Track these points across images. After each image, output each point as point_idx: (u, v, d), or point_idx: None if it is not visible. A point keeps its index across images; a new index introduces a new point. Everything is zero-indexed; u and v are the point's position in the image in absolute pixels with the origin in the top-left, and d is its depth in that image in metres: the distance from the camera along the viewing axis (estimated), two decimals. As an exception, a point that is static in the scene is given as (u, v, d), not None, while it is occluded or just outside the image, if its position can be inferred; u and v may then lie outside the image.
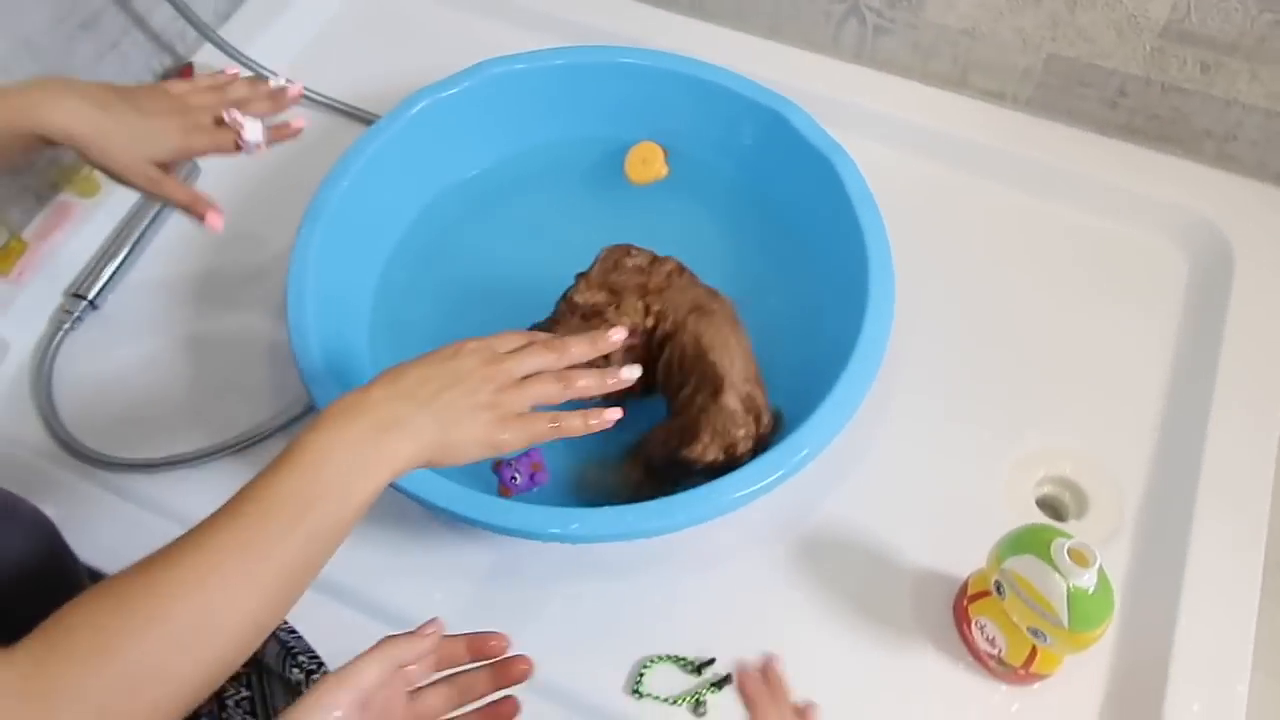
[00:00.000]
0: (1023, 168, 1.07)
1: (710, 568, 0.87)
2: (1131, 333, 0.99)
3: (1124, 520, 0.89)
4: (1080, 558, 0.68)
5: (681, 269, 0.87)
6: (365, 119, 1.14)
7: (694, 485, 0.78)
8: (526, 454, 0.86)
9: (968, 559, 0.83)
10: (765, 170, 1.03)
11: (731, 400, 0.79)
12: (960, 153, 1.08)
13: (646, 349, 0.85)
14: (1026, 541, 0.72)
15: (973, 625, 0.81)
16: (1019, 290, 1.02)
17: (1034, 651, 0.77)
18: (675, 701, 0.81)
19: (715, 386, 0.80)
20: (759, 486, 0.77)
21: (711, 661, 0.83)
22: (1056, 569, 0.69)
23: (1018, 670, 0.79)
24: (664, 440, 0.82)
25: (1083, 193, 1.06)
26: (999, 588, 0.74)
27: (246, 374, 0.98)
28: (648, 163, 1.07)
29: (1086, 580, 0.68)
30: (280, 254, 0.97)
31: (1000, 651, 0.79)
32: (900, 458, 0.92)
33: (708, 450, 0.79)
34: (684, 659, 0.83)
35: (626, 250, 0.87)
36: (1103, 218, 1.06)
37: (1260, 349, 0.94)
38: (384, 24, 1.26)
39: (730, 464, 0.79)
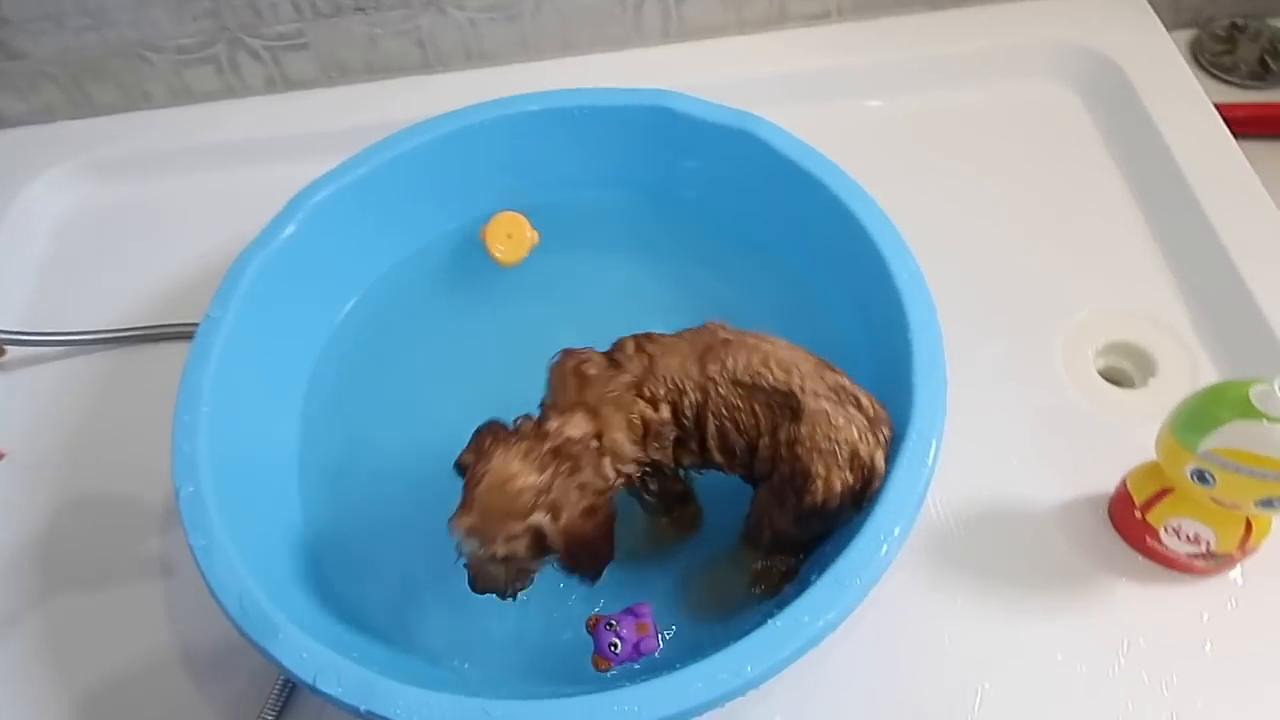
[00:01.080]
0: (892, 71, 1.00)
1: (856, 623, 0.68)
2: (1079, 186, 0.93)
3: (1197, 369, 0.80)
4: (1299, 391, 0.57)
5: (643, 338, 0.68)
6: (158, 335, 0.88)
7: (839, 526, 0.63)
8: (630, 611, 0.66)
9: (1078, 470, 0.75)
10: (685, 184, 0.88)
11: (815, 403, 0.63)
12: (828, 82, 0.98)
13: (684, 431, 0.67)
14: (1214, 412, 0.61)
15: (1162, 532, 0.69)
16: (959, 189, 0.93)
17: (1248, 528, 0.66)
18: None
19: (790, 405, 0.63)
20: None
21: (927, 731, 0.66)
22: (1274, 419, 0.58)
23: (1232, 555, 0.68)
24: (777, 505, 0.65)
25: (955, 70, 1.01)
26: (1202, 476, 0.62)
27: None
28: (514, 236, 0.89)
29: (1313, 411, 0.58)
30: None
31: (1208, 545, 0.67)
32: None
33: (832, 477, 0.63)
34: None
35: (576, 361, 0.67)
36: (985, 83, 1.01)
37: (1203, 147, 0.90)
38: (110, 225, 1.02)
39: (869, 478, 0.63)
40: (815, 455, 0.63)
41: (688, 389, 0.65)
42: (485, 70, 1.05)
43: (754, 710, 0.67)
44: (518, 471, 0.59)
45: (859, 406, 0.64)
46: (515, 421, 0.64)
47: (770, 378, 0.64)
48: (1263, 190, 0.87)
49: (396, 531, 0.75)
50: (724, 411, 0.65)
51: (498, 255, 0.88)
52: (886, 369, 0.69)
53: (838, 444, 0.63)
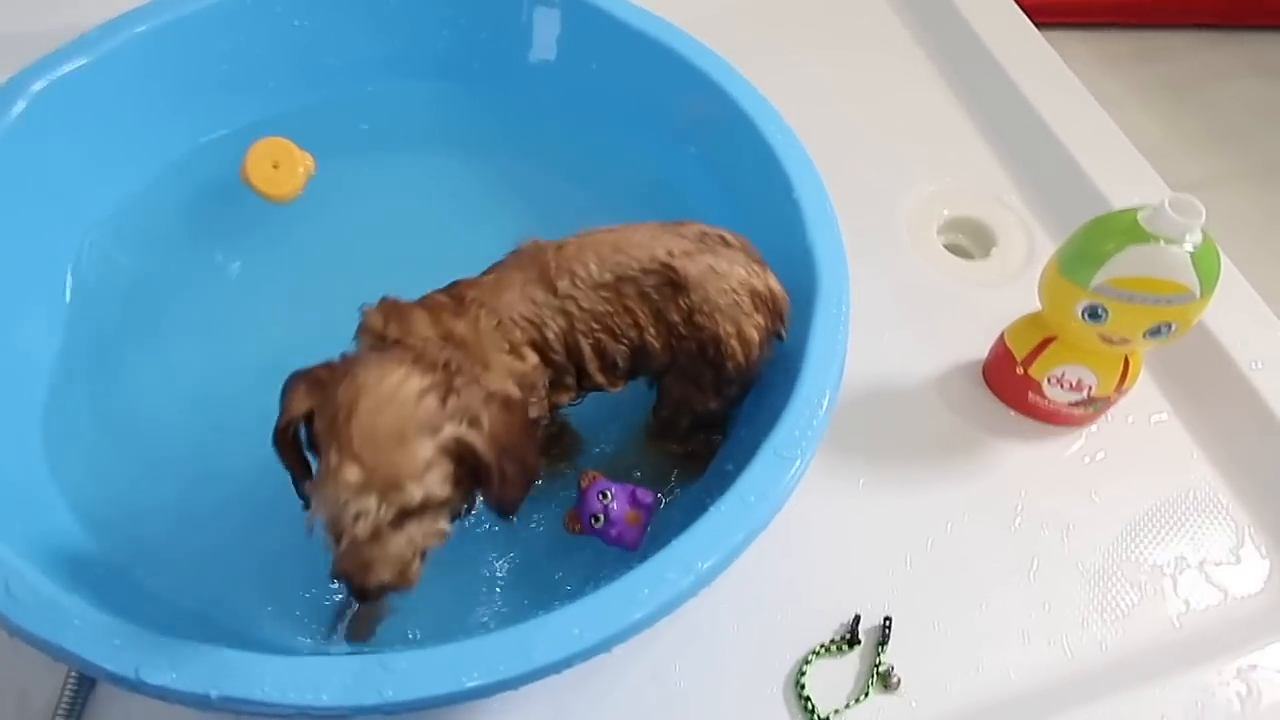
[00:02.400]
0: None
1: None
2: (892, 75, 0.93)
3: (1033, 237, 0.81)
4: (1190, 206, 0.57)
5: (457, 287, 0.56)
6: None
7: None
8: (633, 493, 0.58)
9: (945, 339, 0.74)
10: (505, 68, 0.76)
11: (692, 263, 0.55)
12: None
13: (557, 368, 0.57)
14: (1103, 244, 0.60)
15: (1045, 383, 0.68)
16: (778, 78, 0.86)
17: (1126, 367, 0.67)
18: (861, 696, 0.58)
19: (669, 278, 0.56)
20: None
21: (857, 620, 0.61)
22: (1168, 240, 0.57)
23: (1109, 398, 0.68)
24: (694, 387, 0.58)
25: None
26: (1094, 313, 0.62)
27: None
28: (281, 166, 0.72)
29: (1199, 229, 0.58)
30: None
31: (1090, 390, 0.67)
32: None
33: (745, 328, 0.56)
34: (830, 643, 0.60)
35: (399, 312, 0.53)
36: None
37: (1008, 32, 0.92)
38: None
39: (777, 307, 0.58)
40: (718, 316, 0.56)
41: (545, 319, 0.54)
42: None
43: (662, 627, 0.58)
44: (403, 376, 0.45)
45: (727, 244, 0.58)
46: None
47: (635, 263, 0.56)
48: (1066, 68, 0.89)
49: (177, 507, 0.59)
50: (594, 325, 0.56)
51: (266, 190, 0.71)
52: (770, 238, 0.62)
53: (735, 292, 0.56)
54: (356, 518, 0.43)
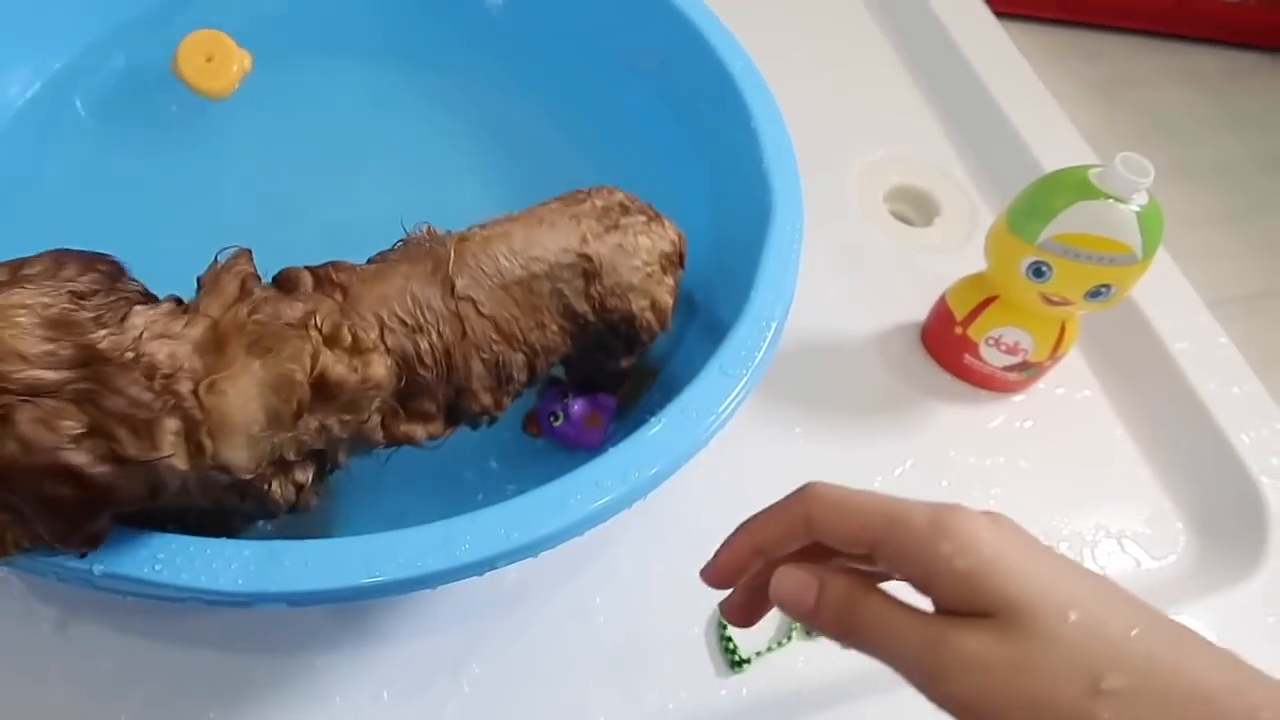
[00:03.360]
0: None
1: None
2: (840, 41, 0.93)
3: (975, 208, 0.82)
4: (1140, 166, 0.58)
5: (327, 268, 0.45)
6: None
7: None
8: (593, 398, 0.55)
9: (887, 301, 0.74)
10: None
11: (601, 245, 0.50)
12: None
13: (418, 386, 0.46)
14: (1052, 199, 0.60)
15: (982, 345, 0.68)
16: None
17: (1061, 332, 0.67)
18: (783, 639, 0.57)
19: (583, 267, 0.50)
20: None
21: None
22: (1117, 198, 0.58)
23: (1043, 364, 0.69)
24: (605, 357, 0.55)
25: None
26: (1038, 270, 0.62)
27: None
28: (216, 59, 0.67)
29: (1146, 191, 0.58)
30: None
31: (1026, 354, 0.68)
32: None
33: (658, 294, 0.53)
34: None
35: (244, 271, 0.43)
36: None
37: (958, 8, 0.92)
38: None
39: (680, 252, 0.55)
40: (631, 295, 0.51)
41: (427, 324, 0.44)
42: None
43: (586, 559, 0.57)
44: (4, 344, 0.34)
45: (626, 210, 0.53)
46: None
47: (550, 255, 0.48)
48: (1016, 51, 0.90)
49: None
50: (493, 335, 0.46)
51: (197, 83, 0.67)
52: (726, 169, 0.61)
53: (646, 264, 0.52)
54: None
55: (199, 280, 0.43)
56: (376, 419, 0.44)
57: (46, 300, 0.35)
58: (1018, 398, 0.72)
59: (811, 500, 0.33)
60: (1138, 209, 0.58)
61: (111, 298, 0.38)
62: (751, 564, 0.36)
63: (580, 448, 0.56)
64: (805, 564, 0.34)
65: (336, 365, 0.40)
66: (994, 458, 0.69)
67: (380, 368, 0.42)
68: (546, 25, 0.72)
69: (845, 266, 0.75)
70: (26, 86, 0.66)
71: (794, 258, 0.54)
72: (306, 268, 0.44)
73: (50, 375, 0.34)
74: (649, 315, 0.53)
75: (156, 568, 0.38)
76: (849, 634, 0.32)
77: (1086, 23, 1.08)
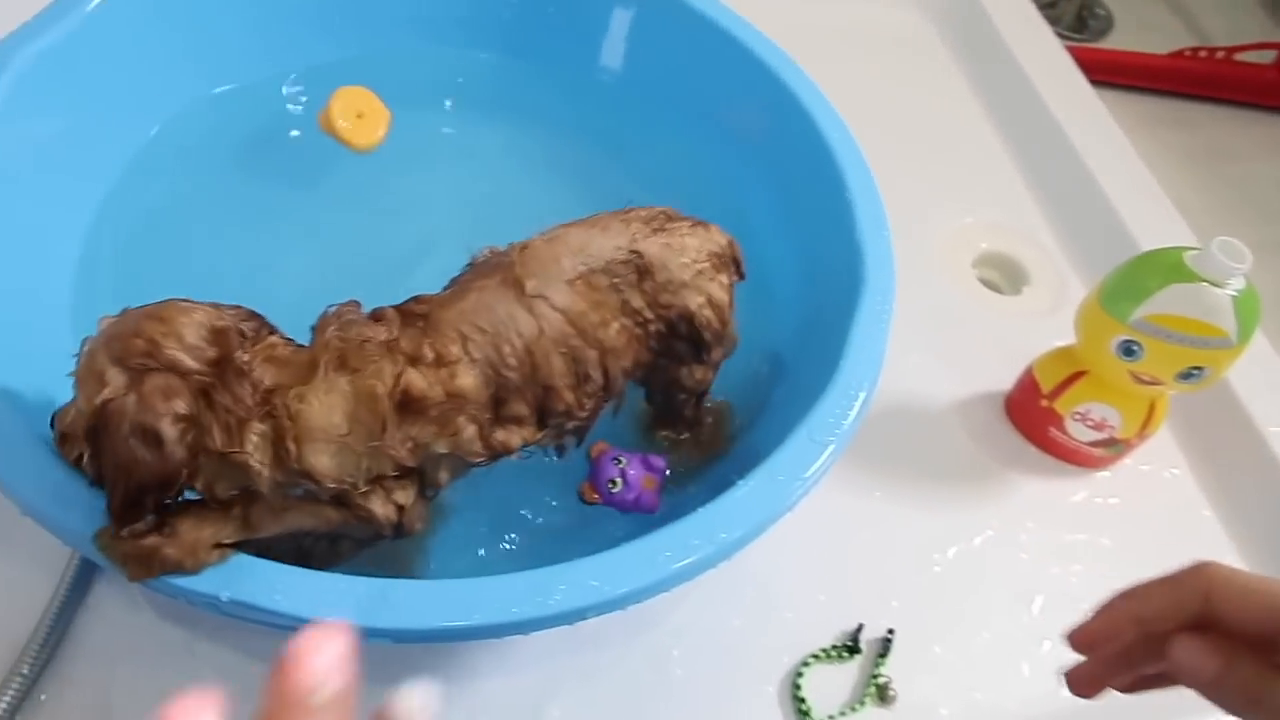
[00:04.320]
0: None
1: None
2: (938, 109, 0.94)
3: (1065, 279, 0.82)
4: (1237, 251, 0.57)
5: (407, 304, 0.49)
6: None
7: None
8: (645, 459, 0.56)
9: (972, 368, 0.74)
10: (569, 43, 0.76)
11: (650, 245, 0.52)
12: None
13: (506, 391, 0.48)
14: (1146, 280, 0.60)
15: (1068, 419, 0.68)
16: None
17: (1151, 410, 0.67)
18: (856, 705, 0.58)
19: (636, 264, 0.51)
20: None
21: (859, 629, 0.60)
22: (1213, 281, 0.58)
23: (1131, 442, 0.68)
24: (680, 366, 0.56)
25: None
26: (1128, 349, 0.61)
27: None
28: (365, 115, 0.70)
29: (1243, 276, 0.58)
30: None
31: (1113, 430, 0.67)
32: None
33: (714, 291, 0.54)
34: (831, 649, 0.59)
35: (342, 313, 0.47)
36: (835, 4, 0.98)
37: (1054, 75, 0.92)
38: None
39: (733, 255, 0.57)
40: (684, 291, 0.53)
41: (505, 330, 0.46)
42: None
43: (665, 612, 0.58)
44: (174, 326, 0.41)
45: (671, 218, 0.55)
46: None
47: (605, 253, 0.50)
48: (1111, 120, 0.90)
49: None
50: (568, 330, 0.48)
51: (350, 139, 0.70)
52: (818, 235, 0.63)
53: (696, 261, 0.53)
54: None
55: (312, 329, 0.47)
56: (472, 430, 0.46)
57: (219, 319, 0.42)
58: (1102, 474, 0.71)
59: (1210, 578, 0.34)
60: (1234, 294, 0.58)
61: (263, 332, 0.44)
62: (1124, 632, 0.37)
63: (639, 511, 0.57)
64: (1207, 636, 0.34)
65: (419, 380, 0.43)
66: (1075, 534, 0.68)
67: (467, 378, 0.45)
68: (650, 91, 0.75)
69: (930, 331, 0.76)
70: (175, 121, 0.70)
71: (884, 328, 0.55)
72: (393, 306, 0.48)
73: (189, 362, 0.40)
74: (707, 312, 0.54)
75: (278, 598, 0.41)
76: (1256, 713, 0.33)
77: (1185, 94, 1.07)
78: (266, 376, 0.42)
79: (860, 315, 0.55)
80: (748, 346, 0.65)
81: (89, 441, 0.40)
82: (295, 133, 0.73)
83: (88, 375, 0.40)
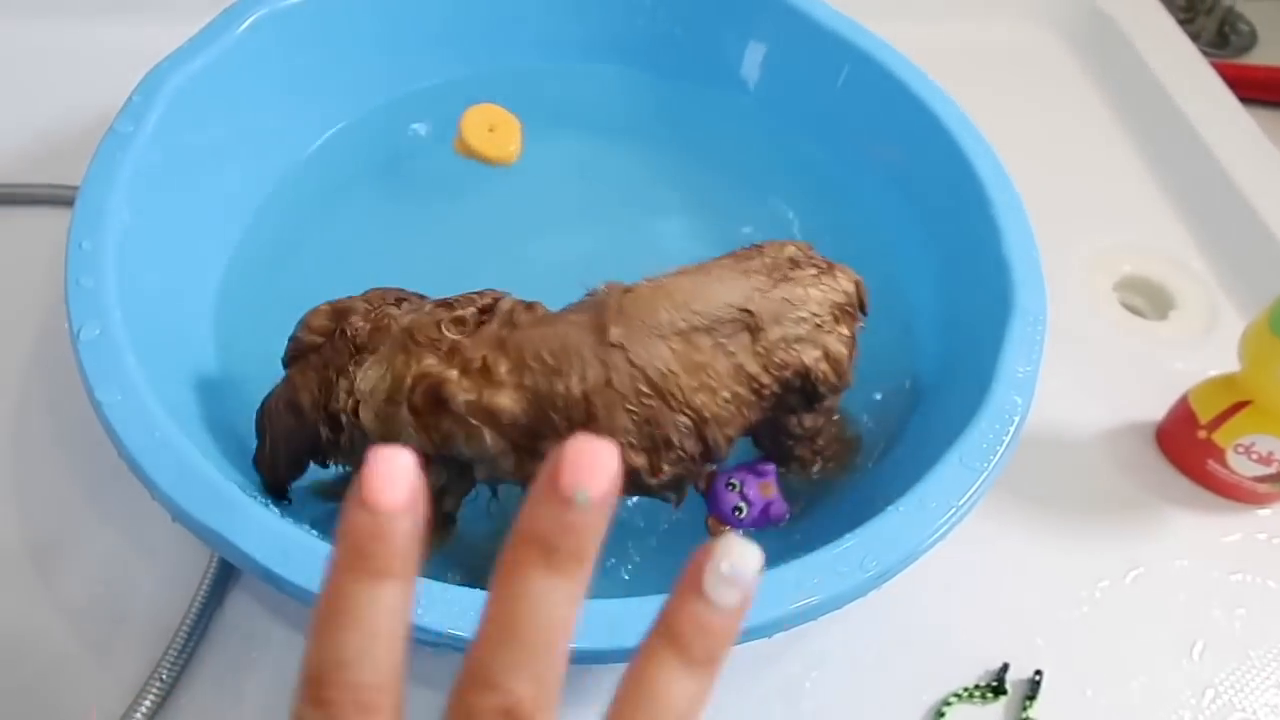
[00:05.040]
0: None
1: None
2: (1072, 127, 0.90)
3: (1215, 304, 0.77)
4: None
5: (521, 304, 0.49)
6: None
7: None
8: (752, 469, 0.54)
9: (1118, 397, 0.70)
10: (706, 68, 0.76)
11: (765, 301, 0.48)
12: None
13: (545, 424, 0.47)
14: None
15: (1230, 452, 0.63)
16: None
17: (1324, 442, 0.61)
18: (1004, 748, 0.54)
19: (744, 322, 0.48)
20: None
21: (1005, 669, 0.57)
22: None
23: (1300, 477, 0.63)
24: (789, 416, 0.54)
25: (931, 6, 0.97)
26: (1304, 375, 0.57)
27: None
28: (498, 129, 0.70)
29: None
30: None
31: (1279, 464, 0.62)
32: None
33: (831, 345, 0.51)
34: (975, 689, 0.56)
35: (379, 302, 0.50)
36: (962, 22, 0.97)
37: (1198, 92, 0.88)
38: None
39: (854, 303, 0.53)
40: (799, 346, 0.49)
41: (567, 369, 0.44)
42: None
43: (798, 640, 0.56)
44: (314, 316, 0.51)
45: (796, 264, 0.51)
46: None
47: (713, 311, 0.47)
48: (1264, 137, 0.85)
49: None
50: (643, 389, 0.45)
51: (487, 153, 0.69)
52: (959, 258, 0.60)
53: (815, 315, 0.50)
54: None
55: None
56: (504, 445, 0.45)
57: (347, 303, 0.50)
58: (1264, 510, 0.66)
59: None
60: None
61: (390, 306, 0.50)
62: None
63: (773, 524, 0.55)
64: None
65: (450, 383, 0.44)
66: (1238, 574, 0.63)
67: (506, 399, 0.44)
68: (787, 112, 0.74)
69: (1071, 357, 0.72)
70: (317, 137, 0.72)
71: (1038, 350, 0.52)
72: (518, 300, 0.48)
73: (316, 339, 0.49)
74: (824, 366, 0.50)
75: (418, 611, 0.40)
76: None
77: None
78: (363, 337, 0.47)
79: (1011, 336, 0.53)
80: (888, 369, 0.63)
81: (258, 426, 0.50)
82: (429, 152, 0.73)
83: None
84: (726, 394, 0.47)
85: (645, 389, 0.45)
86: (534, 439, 0.44)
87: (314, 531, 0.46)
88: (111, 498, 0.57)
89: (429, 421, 0.44)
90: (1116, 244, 0.81)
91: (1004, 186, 0.60)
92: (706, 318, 0.46)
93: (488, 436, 0.44)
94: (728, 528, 0.56)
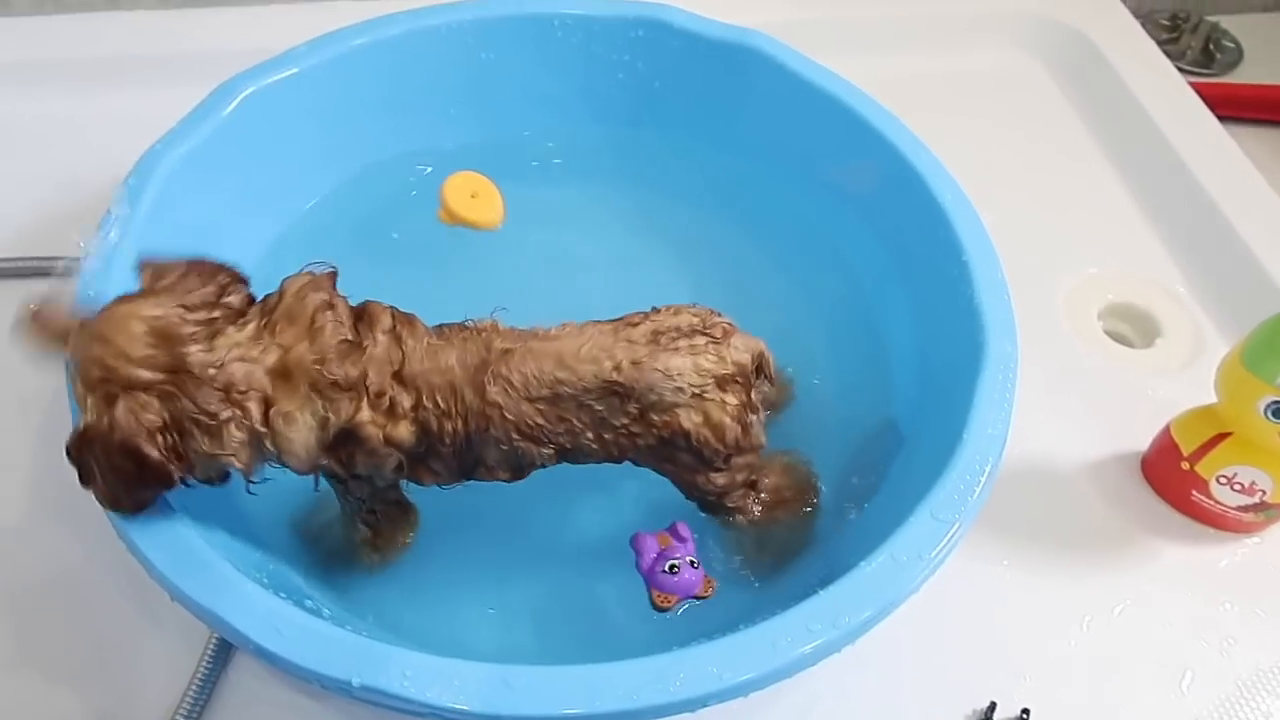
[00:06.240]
0: (854, 31, 0.94)
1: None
2: (1054, 153, 0.91)
3: (1201, 330, 0.77)
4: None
5: (403, 319, 0.53)
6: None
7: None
8: (682, 539, 0.56)
9: (1102, 428, 0.71)
10: (674, 116, 0.78)
11: (640, 373, 0.52)
12: (789, 38, 0.90)
13: (434, 452, 0.53)
14: (1296, 335, 0.56)
15: (1213, 483, 0.64)
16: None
17: (1304, 472, 0.62)
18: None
19: (615, 391, 0.52)
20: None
21: (992, 708, 0.58)
22: (1371, 340, 0.54)
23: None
24: (692, 472, 0.56)
25: (916, 34, 0.97)
26: (1279, 411, 0.58)
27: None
28: (480, 196, 0.72)
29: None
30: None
31: (1264, 494, 0.63)
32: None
33: (713, 413, 0.53)
34: (962, 727, 0.57)
35: (321, 297, 0.50)
36: (946, 50, 0.98)
37: (1179, 115, 0.89)
38: None
39: (745, 372, 0.53)
40: (677, 411, 0.52)
41: (455, 413, 0.51)
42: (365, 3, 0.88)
43: (783, 692, 0.57)
44: (116, 344, 0.45)
45: (684, 334, 0.53)
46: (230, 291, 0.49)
47: (574, 381, 0.51)
48: (1245, 158, 0.86)
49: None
50: (514, 435, 0.52)
51: (470, 217, 0.72)
52: (934, 297, 0.61)
53: (694, 386, 0.52)
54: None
55: (282, 283, 0.50)
56: (394, 461, 0.51)
57: (158, 313, 0.45)
58: (1252, 539, 0.67)
59: None
60: (1396, 350, 0.54)
61: (215, 314, 0.47)
62: None
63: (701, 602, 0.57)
64: None
65: (369, 425, 0.49)
66: (1225, 604, 0.64)
67: (405, 432, 0.50)
68: (763, 156, 0.75)
69: (1056, 388, 0.73)
70: (302, 205, 0.75)
71: (1009, 400, 0.53)
72: (390, 309, 0.52)
73: (146, 375, 0.44)
74: (705, 432, 0.53)
75: (405, 683, 0.42)
76: None
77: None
78: (239, 379, 0.46)
79: (983, 385, 0.54)
80: (862, 415, 0.64)
81: (70, 456, 0.45)
82: (412, 218, 0.75)
83: (77, 399, 0.46)
84: (591, 435, 0.53)
85: (516, 435, 0.52)
86: (425, 456, 0.52)
87: (309, 600, 0.48)
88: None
89: (341, 454, 0.50)
90: (1101, 272, 0.82)
91: (975, 232, 0.61)
92: (572, 387, 0.52)
93: (390, 460, 0.51)
94: (671, 597, 0.58)
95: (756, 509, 0.60)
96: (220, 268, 0.49)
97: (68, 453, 0.46)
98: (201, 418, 0.45)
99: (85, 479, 0.46)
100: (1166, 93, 0.91)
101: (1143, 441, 0.70)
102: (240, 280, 0.50)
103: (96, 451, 0.45)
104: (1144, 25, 1.04)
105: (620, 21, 0.73)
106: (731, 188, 0.78)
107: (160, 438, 0.44)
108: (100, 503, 0.47)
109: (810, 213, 0.75)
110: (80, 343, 0.45)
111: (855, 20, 0.96)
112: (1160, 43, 1.04)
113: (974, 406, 0.53)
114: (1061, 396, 0.73)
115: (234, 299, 0.48)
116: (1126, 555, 0.66)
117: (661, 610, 0.57)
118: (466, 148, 0.76)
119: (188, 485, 0.47)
